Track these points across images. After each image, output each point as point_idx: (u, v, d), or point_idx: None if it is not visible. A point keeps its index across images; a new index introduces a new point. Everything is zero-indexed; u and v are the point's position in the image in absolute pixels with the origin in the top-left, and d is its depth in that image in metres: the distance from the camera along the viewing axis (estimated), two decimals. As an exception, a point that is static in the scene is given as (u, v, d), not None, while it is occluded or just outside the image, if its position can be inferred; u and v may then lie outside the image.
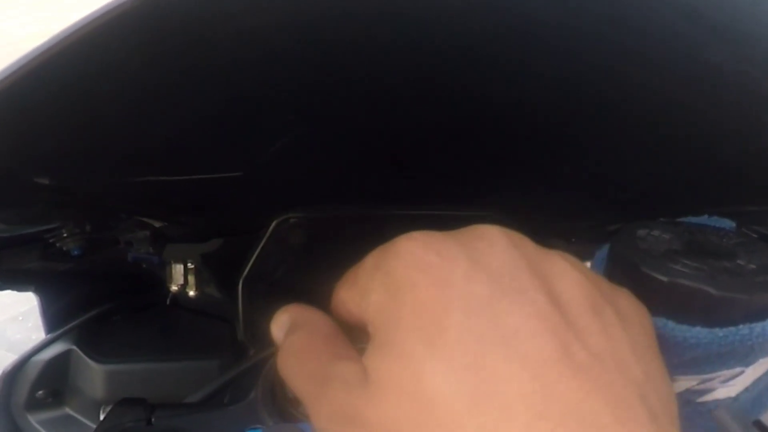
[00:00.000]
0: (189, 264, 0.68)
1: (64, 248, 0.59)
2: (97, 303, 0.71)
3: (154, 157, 0.60)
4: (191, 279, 0.69)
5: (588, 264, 0.67)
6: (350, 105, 0.60)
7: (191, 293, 0.69)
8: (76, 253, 0.60)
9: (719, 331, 0.41)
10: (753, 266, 0.44)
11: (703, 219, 0.52)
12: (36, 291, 0.68)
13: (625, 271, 0.44)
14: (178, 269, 0.68)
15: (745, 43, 0.45)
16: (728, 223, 0.51)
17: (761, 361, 0.44)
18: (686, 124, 0.54)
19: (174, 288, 0.68)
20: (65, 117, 0.50)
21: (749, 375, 0.44)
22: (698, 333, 0.42)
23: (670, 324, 0.42)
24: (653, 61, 0.50)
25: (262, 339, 0.67)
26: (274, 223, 0.66)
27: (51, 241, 0.59)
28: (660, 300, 0.43)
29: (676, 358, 0.43)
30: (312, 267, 0.67)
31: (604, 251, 0.48)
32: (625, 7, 0.44)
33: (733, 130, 0.52)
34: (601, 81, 0.54)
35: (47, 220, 0.58)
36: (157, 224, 0.65)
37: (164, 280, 0.69)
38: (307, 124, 0.61)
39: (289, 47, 0.53)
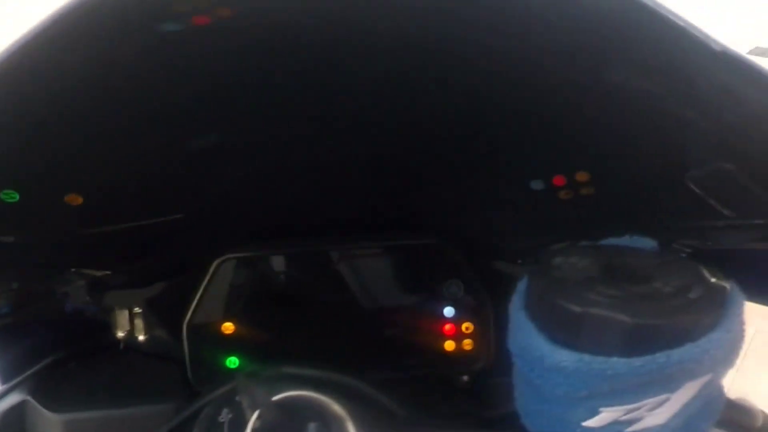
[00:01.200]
0: (135, 309, 0.68)
1: None
2: (51, 351, 0.71)
3: (94, 206, 0.60)
4: (139, 324, 0.68)
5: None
6: (286, 136, 0.60)
7: (140, 338, 0.68)
8: (4, 311, 0.59)
9: (636, 361, 0.41)
10: (669, 289, 0.43)
11: (625, 240, 0.51)
12: None
13: (541, 303, 0.44)
14: (123, 315, 0.67)
15: (641, 62, 0.45)
16: (649, 243, 0.51)
17: (687, 385, 0.43)
18: (610, 143, 0.53)
19: (121, 334, 0.68)
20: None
21: (676, 401, 0.43)
22: (615, 364, 0.41)
23: (586, 357, 0.41)
24: (558, 81, 0.49)
25: (209, 380, 0.66)
26: (214, 264, 0.65)
27: None
28: (576, 330, 0.42)
29: (596, 390, 0.42)
30: (255, 305, 0.66)
31: (524, 282, 0.48)
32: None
33: (647, 148, 0.51)
34: (518, 93, 0.54)
35: None
36: (97, 274, 0.64)
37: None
38: (248, 160, 0.61)
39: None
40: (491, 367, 0.69)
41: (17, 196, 0.51)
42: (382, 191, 0.65)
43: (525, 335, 0.44)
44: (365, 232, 0.68)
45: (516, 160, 0.62)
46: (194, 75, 0.49)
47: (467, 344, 0.68)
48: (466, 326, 0.68)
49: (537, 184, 0.62)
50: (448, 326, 0.68)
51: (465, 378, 0.70)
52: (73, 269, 0.63)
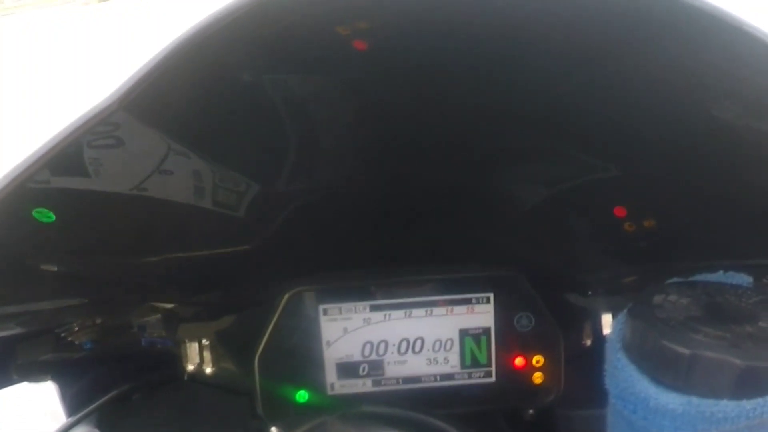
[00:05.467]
0: (204, 341, 0.68)
1: (76, 341, 0.59)
2: (116, 383, 0.71)
3: (161, 235, 0.61)
4: (207, 356, 0.68)
5: (606, 316, 0.66)
6: (353, 169, 0.60)
7: (208, 370, 0.68)
8: (87, 346, 0.60)
9: (747, 404, 0.40)
10: (777, 328, 0.43)
11: (719, 276, 0.50)
12: (52, 379, 0.67)
13: (645, 344, 0.43)
14: (193, 348, 0.67)
15: (755, 100, 0.44)
16: (745, 279, 0.50)
17: (793, 427, 0.42)
18: (702, 177, 0.53)
19: (190, 367, 0.68)
20: (77, 206, 0.50)
21: (782, 443, 0.42)
22: (725, 407, 0.40)
23: (695, 400, 0.41)
24: (664, 115, 0.49)
25: (280, 412, 0.66)
26: (286, 296, 0.65)
27: (63, 335, 0.59)
28: (684, 372, 0.41)
29: (705, 434, 0.41)
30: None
31: (620, 320, 0.47)
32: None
33: (749, 184, 0.51)
34: (612, 132, 0.54)
35: (59, 318, 0.58)
36: (169, 306, 0.65)
37: (181, 357, 0.69)
38: (311, 192, 0.61)
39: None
40: (559, 401, 0.68)
41: (53, 217, 0.50)
42: (455, 224, 0.65)
43: (626, 376, 0.44)
44: (437, 262, 0.67)
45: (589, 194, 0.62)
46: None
47: (537, 377, 0.67)
48: (537, 359, 0.67)
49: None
50: (518, 359, 0.67)
51: (531, 411, 0.69)
52: (148, 303, 0.63)
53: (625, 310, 0.47)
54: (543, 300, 0.67)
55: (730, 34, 0.38)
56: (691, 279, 0.50)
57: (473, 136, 0.57)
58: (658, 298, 0.46)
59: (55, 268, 0.57)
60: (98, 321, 0.60)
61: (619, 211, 0.61)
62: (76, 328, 0.59)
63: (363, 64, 0.47)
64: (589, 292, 0.68)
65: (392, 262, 0.67)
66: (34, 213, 0.49)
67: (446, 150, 0.59)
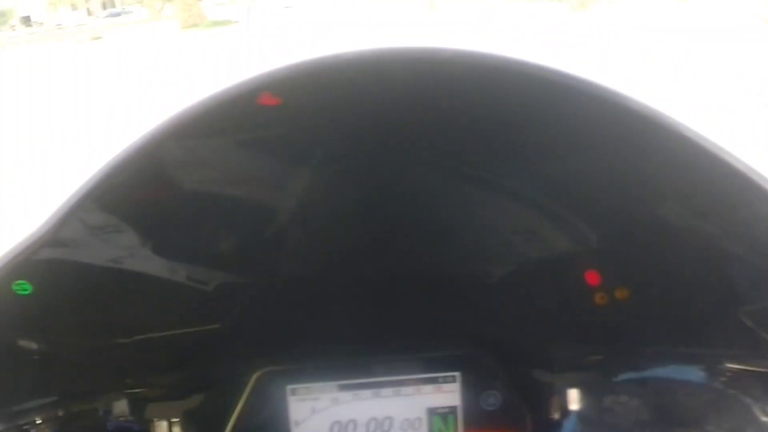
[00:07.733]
0: (173, 419, 0.68)
1: None
2: None
3: (133, 315, 0.61)
4: (177, 434, 0.68)
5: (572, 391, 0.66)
6: (334, 252, 0.61)
7: None
8: None
9: None
10: (723, 433, 0.43)
11: (671, 370, 0.51)
12: None
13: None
14: (161, 427, 0.67)
15: (696, 203, 0.46)
16: (696, 374, 0.51)
17: None
18: (665, 263, 0.54)
19: None
20: (53, 278, 0.51)
21: None
22: None
23: None
24: (620, 207, 0.51)
25: None
26: (254, 376, 0.66)
27: (25, 428, 0.59)
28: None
29: None
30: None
31: (572, 422, 0.48)
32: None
33: (699, 277, 0.52)
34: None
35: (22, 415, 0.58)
36: (137, 389, 0.65)
37: None
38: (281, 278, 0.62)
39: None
40: None
41: (29, 288, 0.50)
42: (422, 303, 0.66)
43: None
44: (404, 341, 0.68)
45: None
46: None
47: None
48: None
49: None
50: None
51: None
52: (114, 390, 0.64)
53: (575, 413, 0.47)
54: (509, 376, 0.67)
55: (667, 138, 0.39)
56: (642, 375, 0.51)
57: (436, 209, 0.59)
58: (608, 400, 0.46)
59: (35, 346, 0.57)
60: (60, 414, 0.60)
61: (592, 278, 0.61)
62: (39, 421, 0.59)
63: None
64: (555, 368, 0.68)
65: (360, 341, 0.67)
66: (13, 286, 0.50)
67: (412, 228, 0.60)
